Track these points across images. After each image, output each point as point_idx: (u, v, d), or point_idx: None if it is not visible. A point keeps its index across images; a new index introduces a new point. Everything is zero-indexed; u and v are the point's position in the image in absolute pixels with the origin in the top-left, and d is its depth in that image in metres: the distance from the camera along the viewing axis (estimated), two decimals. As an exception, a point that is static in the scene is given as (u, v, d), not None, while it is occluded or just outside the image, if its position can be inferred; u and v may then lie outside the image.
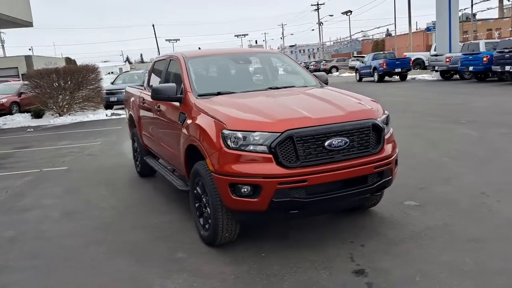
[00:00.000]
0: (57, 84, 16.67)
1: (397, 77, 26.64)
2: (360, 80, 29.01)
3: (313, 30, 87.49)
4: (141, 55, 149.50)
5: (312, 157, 3.55)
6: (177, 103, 4.59)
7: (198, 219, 4.16)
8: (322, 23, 68.69)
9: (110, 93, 18.38)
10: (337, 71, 45.61)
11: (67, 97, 16.99)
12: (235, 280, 3.45)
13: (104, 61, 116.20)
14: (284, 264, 3.62)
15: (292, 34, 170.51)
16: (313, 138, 3.55)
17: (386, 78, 26.62)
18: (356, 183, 3.77)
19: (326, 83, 5.31)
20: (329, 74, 44.27)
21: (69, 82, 16.85)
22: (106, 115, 16.62)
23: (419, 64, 32.00)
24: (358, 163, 3.70)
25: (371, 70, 26.75)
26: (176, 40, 69.20)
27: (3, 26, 17.54)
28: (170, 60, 5.27)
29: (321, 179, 3.58)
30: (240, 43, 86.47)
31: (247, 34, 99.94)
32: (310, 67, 53.51)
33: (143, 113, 6.05)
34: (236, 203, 3.59)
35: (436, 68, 23.78)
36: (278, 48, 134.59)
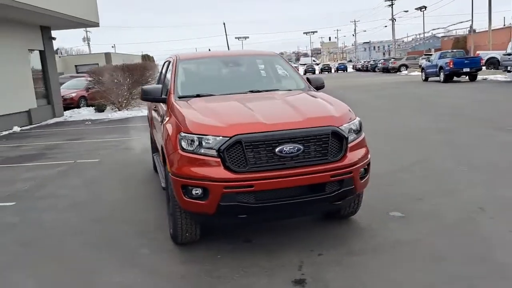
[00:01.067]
0: (116, 81, 17.77)
1: (466, 78, 24.99)
2: (426, 79, 27.57)
3: (385, 26, 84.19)
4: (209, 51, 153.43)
5: (262, 162, 3.56)
6: (164, 104, 4.78)
7: (169, 218, 4.32)
8: (395, 19, 66.04)
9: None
10: (406, 69, 43.67)
11: (125, 93, 18.05)
12: (180, 280, 3.56)
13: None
14: (234, 268, 3.66)
15: (364, 31, 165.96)
16: (263, 143, 3.55)
17: (455, 78, 25.07)
18: (313, 191, 3.71)
19: (320, 88, 5.23)
20: (397, 73, 42.55)
21: (127, 79, 17.90)
22: (159, 111, 17.41)
23: (493, 64, 29.73)
24: (312, 170, 3.63)
25: (437, 70, 25.33)
26: (245, 37, 70.26)
27: (70, 27, 18.99)
28: (169, 62, 5.48)
29: (269, 185, 3.57)
30: (309, 41, 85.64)
31: (316, 31, 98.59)
32: (378, 65, 51.78)
33: (152, 112, 6.34)
34: (188, 204, 3.69)
35: (509, 68, 21.97)
36: (352, 45, 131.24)
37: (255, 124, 3.65)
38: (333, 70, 65.89)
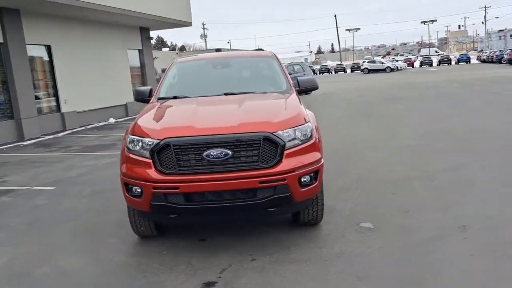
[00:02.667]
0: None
1: None
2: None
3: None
4: (319, 46, 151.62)
5: (190, 166, 3.67)
6: None
7: None
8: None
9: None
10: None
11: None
12: (112, 270, 3.84)
13: (298, 51, 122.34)
14: (166, 264, 3.84)
15: (497, 17, 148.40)
16: (191, 147, 3.66)
17: None
18: (243, 196, 3.72)
19: (311, 90, 5.14)
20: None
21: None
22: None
23: None
24: (241, 176, 3.64)
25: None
26: (356, 29, 68.12)
27: (164, 27, 20.57)
28: (172, 63, 5.80)
29: (194, 188, 3.67)
30: (427, 30, 79.78)
31: (436, 20, 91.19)
32: (504, 55, 46.46)
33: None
34: (130, 201, 3.97)
35: None
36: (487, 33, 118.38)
37: (186, 128, 3.78)
38: (453, 62, 60.69)
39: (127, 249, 4.29)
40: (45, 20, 14.30)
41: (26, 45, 13.50)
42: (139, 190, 3.83)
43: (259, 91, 4.86)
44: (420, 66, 59.78)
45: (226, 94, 4.79)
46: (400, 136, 9.19)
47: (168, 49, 77.12)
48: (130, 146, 3.95)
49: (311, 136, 3.95)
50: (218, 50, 53.73)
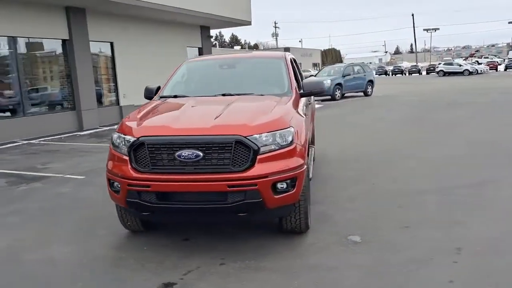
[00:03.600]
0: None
1: None
2: None
3: None
4: (397, 46, 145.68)
5: (163, 165, 3.69)
6: None
7: None
8: None
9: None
10: None
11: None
12: (89, 262, 3.94)
13: (374, 51, 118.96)
14: (140, 261, 3.89)
15: None
16: (164, 147, 3.68)
17: None
18: (214, 198, 3.67)
19: (315, 94, 4.97)
20: None
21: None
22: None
23: None
24: (210, 178, 3.60)
25: None
26: (435, 29, 64.53)
27: (224, 26, 20.86)
28: (183, 62, 5.88)
29: (165, 187, 3.69)
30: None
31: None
32: None
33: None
34: (112, 196, 4.08)
35: None
36: None
37: (162, 128, 3.80)
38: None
39: (112, 242, 4.42)
40: (108, 18, 15.15)
41: (90, 42, 14.41)
42: (118, 186, 3.92)
43: (257, 93, 4.77)
44: (505, 70, 55.24)
45: (223, 94, 4.76)
46: (442, 145, 8.57)
47: (240, 47, 78.55)
48: (114, 142, 4.06)
49: (291, 141, 3.80)
50: (286, 49, 53.74)
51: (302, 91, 4.95)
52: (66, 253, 4.18)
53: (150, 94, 5.25)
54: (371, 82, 23.06)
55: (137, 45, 16.45)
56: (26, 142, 11.67)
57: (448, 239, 4.03)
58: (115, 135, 4.07)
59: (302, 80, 5.45)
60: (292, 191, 3.78)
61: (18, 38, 12.46)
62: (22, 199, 6.14)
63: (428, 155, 7.71)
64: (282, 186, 3.73)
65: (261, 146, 3.64)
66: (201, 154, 3.61)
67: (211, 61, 5.83)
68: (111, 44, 15.53)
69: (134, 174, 3.76)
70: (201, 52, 19.85)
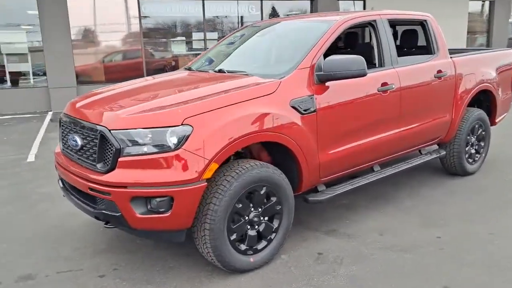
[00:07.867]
0: None
1: None
2: None
3: None
4: None
5: (64, 147, 3.30)
6: None
7: None
8: None
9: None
10: None
11: None
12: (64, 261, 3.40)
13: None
14: (123, 270, 3.26)
15: None
16: (63, 126, 3.31)
17: None
18: (88, 197, 3.00)
19: (341, 78, 3.30)
20: None
21: None
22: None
23: None
24: (79, 173, 2.97)
25: None
26: None
27: None
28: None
29: (60, 173, 3.31)
30: None
31: None
32: None
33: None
34: None
35: None
36: None
37: (71, 105, 3.36)
38: None
39: (90, 248, 3.65)
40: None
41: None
42: None
43: (250, 72, 3.45)
44: None
45: (220, 71, 3.72)
46: None
47: None
48: None
49: (177, 145, 2.66)
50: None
51: (320, 72, 3.26)
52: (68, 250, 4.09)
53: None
54: None
55: None
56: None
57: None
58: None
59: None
60: (167, 214, 2.69)
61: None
62: None
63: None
64: (153, 203, 2.70)
65: (127, 146, 2.70)
66: (79, 143, 3.00)
67: (263, 25, 4.51)
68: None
69: (57, 151, 3.48)
70: (492, 7, 15.88)
